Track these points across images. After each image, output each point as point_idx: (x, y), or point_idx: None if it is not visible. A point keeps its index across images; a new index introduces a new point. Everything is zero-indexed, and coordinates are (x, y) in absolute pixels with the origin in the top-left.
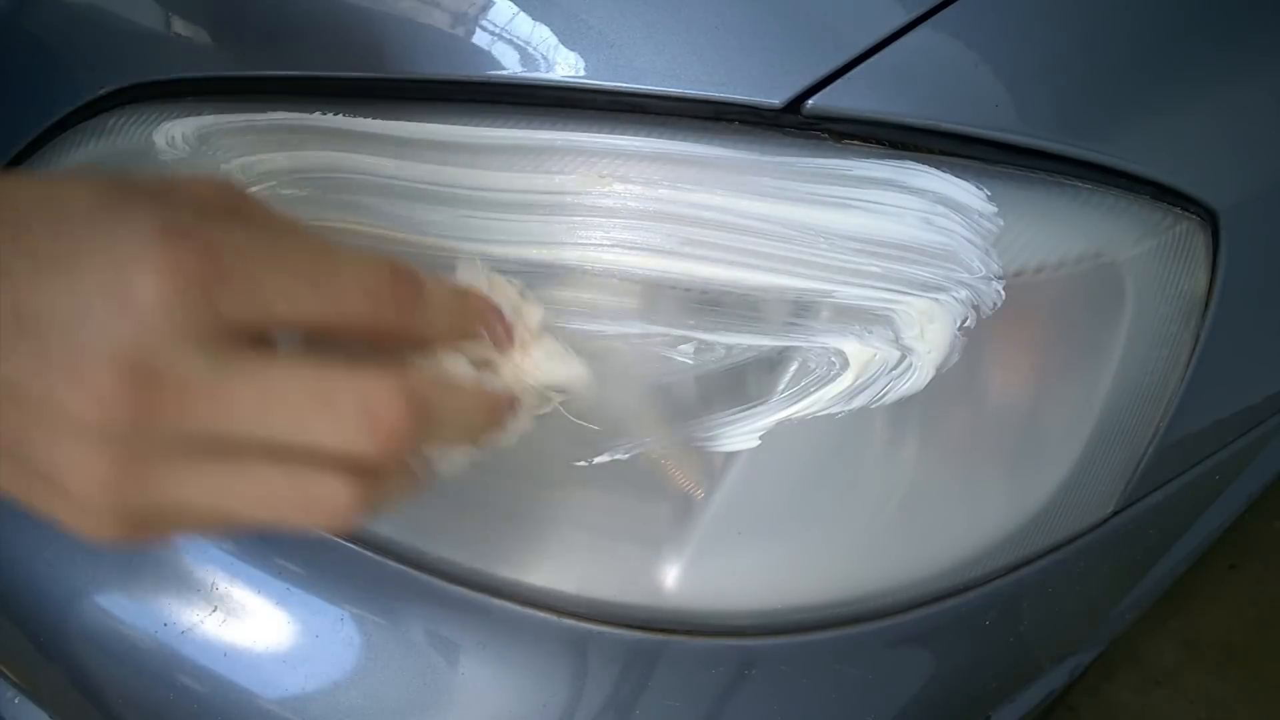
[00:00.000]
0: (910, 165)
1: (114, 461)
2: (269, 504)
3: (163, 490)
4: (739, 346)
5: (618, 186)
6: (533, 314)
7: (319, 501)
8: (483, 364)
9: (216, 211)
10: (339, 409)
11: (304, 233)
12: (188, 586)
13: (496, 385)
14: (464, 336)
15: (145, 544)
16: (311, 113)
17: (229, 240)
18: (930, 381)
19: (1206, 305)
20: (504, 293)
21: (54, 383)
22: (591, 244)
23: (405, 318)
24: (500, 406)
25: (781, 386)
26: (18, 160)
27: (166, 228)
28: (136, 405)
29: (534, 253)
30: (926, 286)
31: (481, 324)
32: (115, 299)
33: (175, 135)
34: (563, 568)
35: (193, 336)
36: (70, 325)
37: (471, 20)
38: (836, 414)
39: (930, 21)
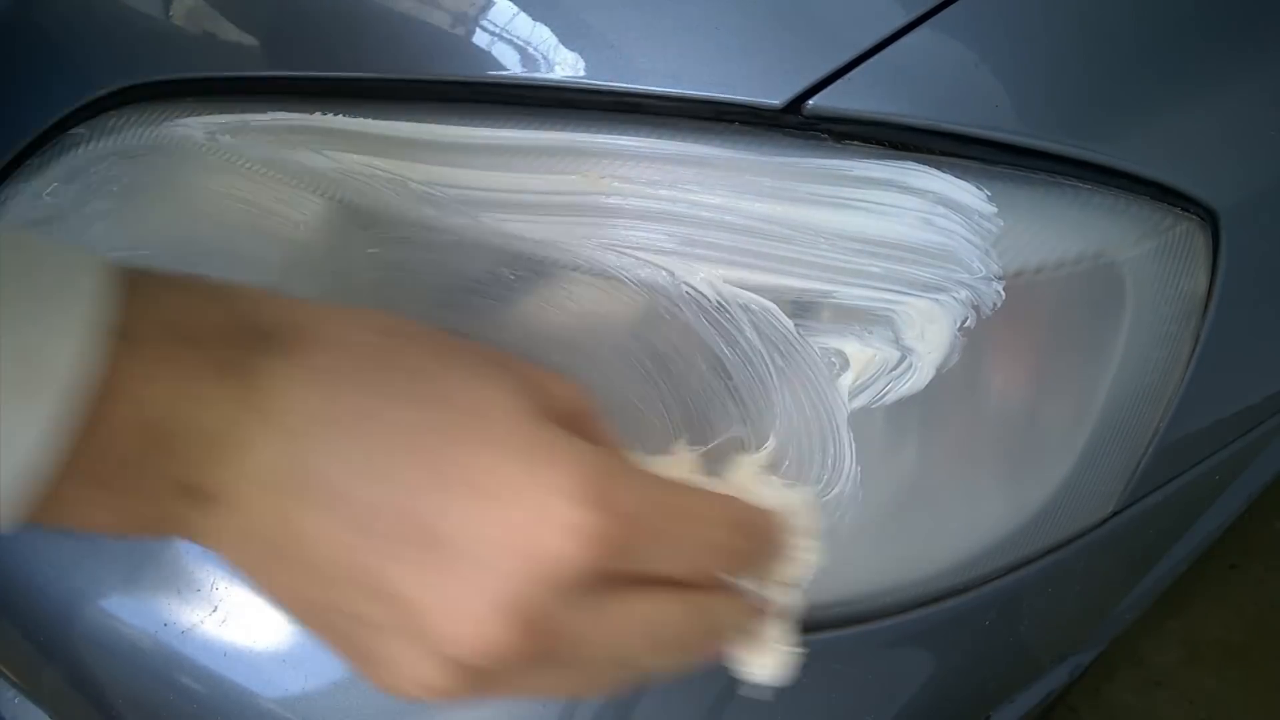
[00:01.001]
0: (910, 165)
1: (456, 682)
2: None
3: (495, 690)
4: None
5: (617, 186)
6: (806, 513)
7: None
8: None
9: (576, 429)
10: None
11: (661, 478)
12: (188, 586)
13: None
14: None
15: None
16: (311, 113)
17: (636, 502)
18: (930, 382)
19: (1206, 305)
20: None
21: (431, 602)
22: (591, 244)
23: (732, 570)
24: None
25: None
26: (18, 160)
27: (596, 492)
28: (508, 650)
29: (533, 253)
30: (927, 287)
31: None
32: (527, 549)
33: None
34: None
35: (586, 594)
36: (469, 555)
37: (471, 20)
38: None
39: (930, 21)
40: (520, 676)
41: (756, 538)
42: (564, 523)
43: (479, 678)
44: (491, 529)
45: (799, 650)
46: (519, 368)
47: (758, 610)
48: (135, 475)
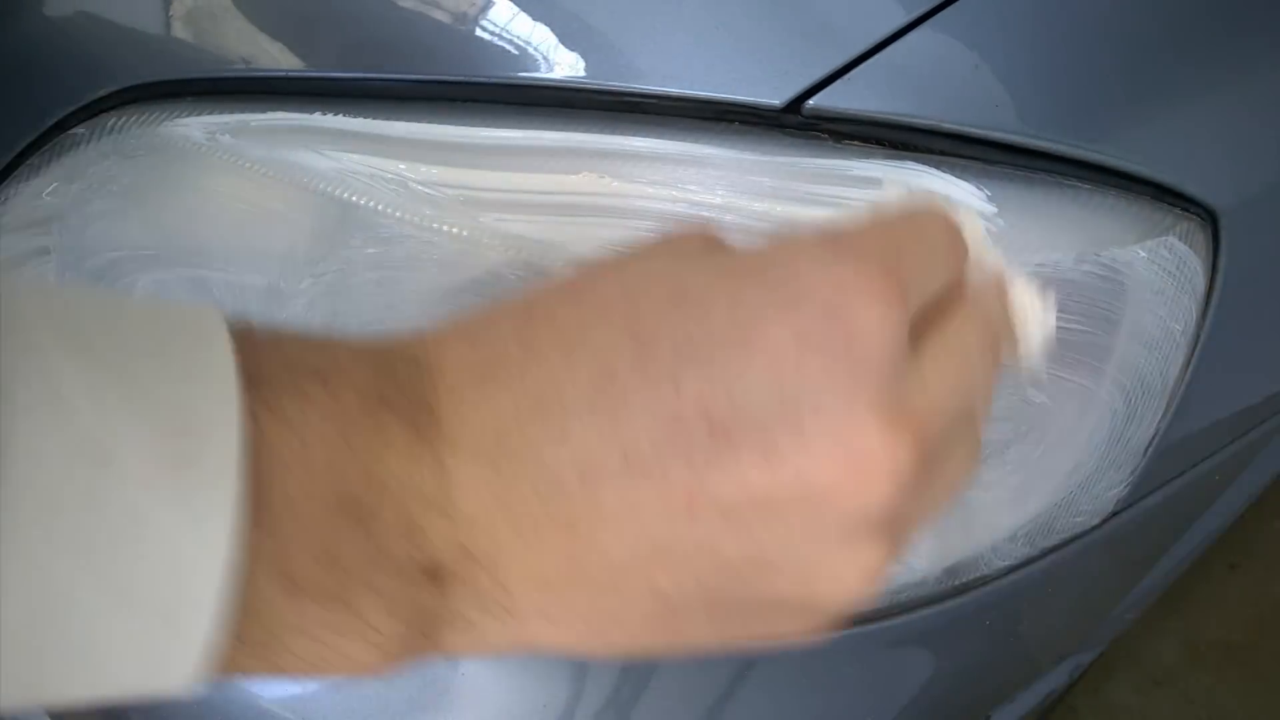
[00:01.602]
0: (910, 165)
1: (890, 522)
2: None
3: (917, 511)
4: None
5: (617, 186)
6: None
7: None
8: None
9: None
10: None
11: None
12: None
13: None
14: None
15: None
16: (311, 113)
17: (900, 250)
18: None
19: (1206, 305)
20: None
21: (818, 474)
22: (590, 245)
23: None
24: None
25: None
26: (18, 160)
27: (876, 268)
28: (906, 444)
29: (533, 253)
30: None
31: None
32: (838, 346)
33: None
34: None
35: (902, 361)
36: (796, 403)
37: (471, 20)
38: None
39: (930, 22)
40: (927, 483)
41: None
42: (858, 295)
43: (901, 512)
44: (787, 360)
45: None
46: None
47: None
48: (352, 572)
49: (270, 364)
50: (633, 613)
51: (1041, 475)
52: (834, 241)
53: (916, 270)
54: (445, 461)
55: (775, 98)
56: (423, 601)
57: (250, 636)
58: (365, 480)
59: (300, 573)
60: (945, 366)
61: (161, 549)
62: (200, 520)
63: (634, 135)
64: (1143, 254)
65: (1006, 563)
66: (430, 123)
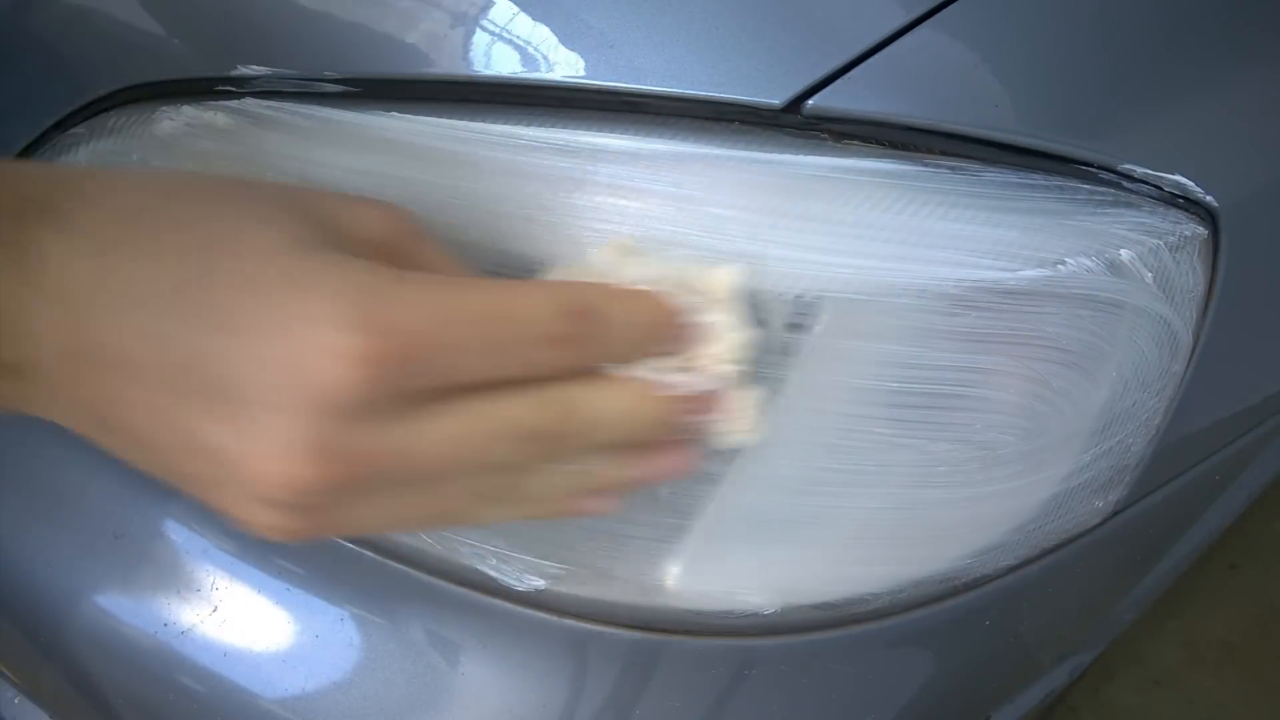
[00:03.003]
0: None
1: (291, 521)
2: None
3: (343, 521)
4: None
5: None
6: (719, 283)
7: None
8: (681, 368)
9: (387, 252)
10: (515, 439)
11: (471, 277)
12: (188, 586)
13: (696, 383)
14: (651, 355)
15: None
16: (312, 113)
17: (410, 316)
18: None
19: (1206, 305)
20: (680, 273)
21: (236, 449)
22: (590, 245)
23: (587, 357)
24: (678, 406)
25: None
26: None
27: (359, 314)
28: (316, 482)
29: (528, 252)
30: None
31: (664, 336)
32: (298, 382)
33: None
34: (562, 567)
35: (380, 413)
36: (255, 398)
37: (471, 20)
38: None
39: (930, 21)
40: (355, 505)
41: (605, 321)
42: (328, 349)
43: (309, 513)
44: (264, 368)
45: (762, 407)
46: (306, 200)
47: (664, 392)
48: None
49: None
50: (121, 444)
51: (1040, 475)
52: (373, 297)
53: (465, 344)
54: (23, 305)
55: (775, 98)
56: None
57: None
58: None
59: None
60: (444, 424)
61: None
62: None
63: (634, 135)
64: (1143, 254)
65: (1006, 563)
66: (431, 121)
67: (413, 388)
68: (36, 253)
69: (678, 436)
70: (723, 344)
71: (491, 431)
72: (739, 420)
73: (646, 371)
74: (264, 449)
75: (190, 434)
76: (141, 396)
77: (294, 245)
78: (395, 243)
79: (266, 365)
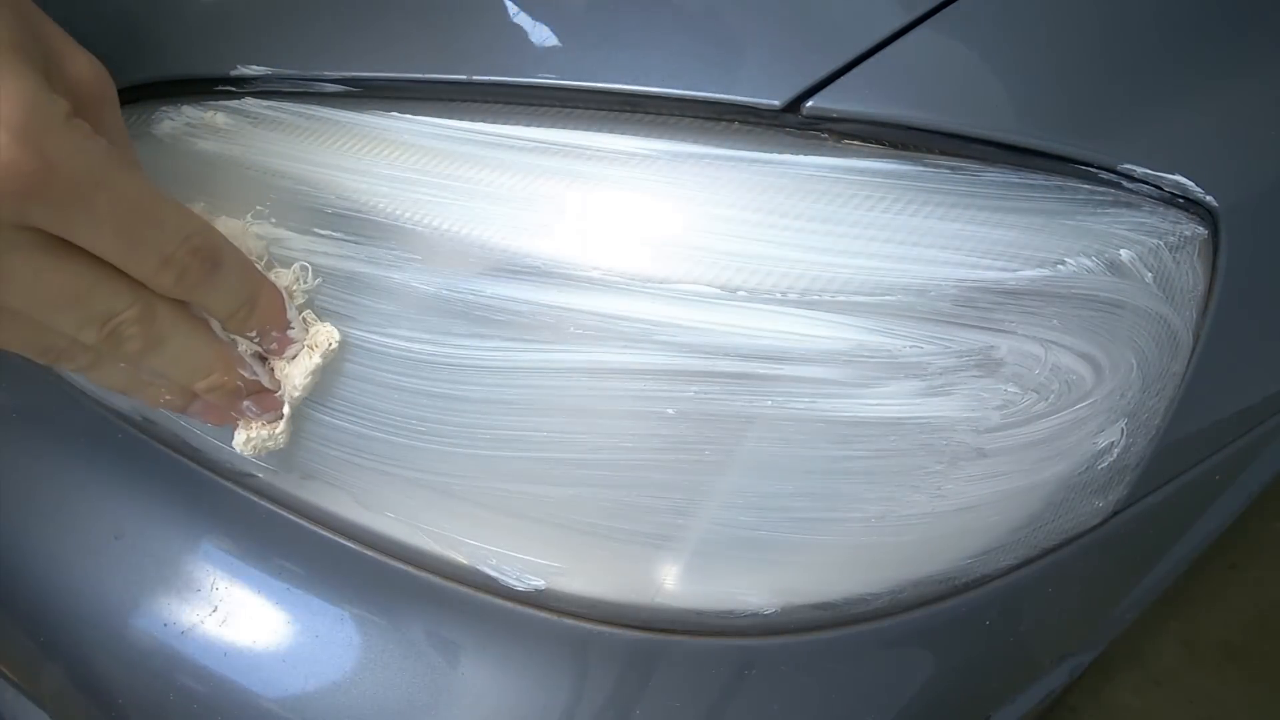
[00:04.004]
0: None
1: None
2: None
3: None
4: None
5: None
6: (321, 333)
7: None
8: (257, 354)
9: (78, 101)
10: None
11: (139, 170)
12: (188, 586)
13: (263, 377)
14: (240, 332)
15: None
16: (311, 113)
17: (72, 161)
18: (929, 382)
19: (1206, 305)
20: (281, 279)
21: None
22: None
23: (185, 292)
24: (244, 388)
25: None
26: None
27: (25, 126)
28: None
29: (531, 251)
30: None
31: (261, 327)
32: None
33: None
34: (563, 568)
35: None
36: None
37: (471, 21)
38: (840, 414)
39: (930, 22)
40: None
41: (222, 277)
42: None
43: None
44: None
45: (282, 437)
46: (33, 15)
47: (230, 365)
48: None
49: None
50: None
51: (1040, 475)
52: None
53: (93, 209)
54: None
55: (775, 98)
56: None
57: None
58: None
59: None
60: (37, 259)
61: None
62: None
63: (634, 135)
64: (1143, 254)
65: (1006, 563)
66: (431, 122)
67: (35, 224)
68: None
69: (216, 401)
70: (299, 365)
71: (75, 293)
72: (272, 428)
73: (222, 334)
74: None
75: None
76: None
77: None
78: (90, 98)
79: None
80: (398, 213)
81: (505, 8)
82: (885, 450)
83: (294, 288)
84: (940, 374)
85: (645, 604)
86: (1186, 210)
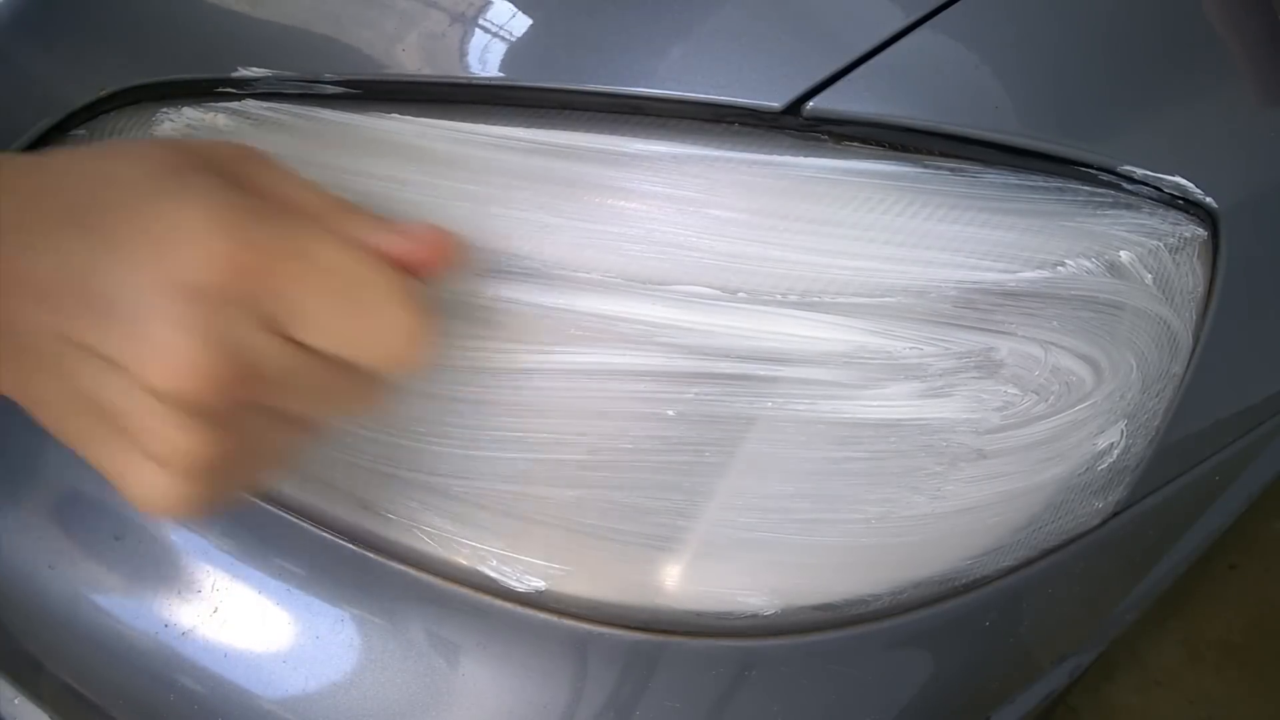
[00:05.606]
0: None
1: (182, 477)
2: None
3: (233, 468)
4: None
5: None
6: None
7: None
8: None
9: (237, 181)
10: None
11: (327, 217)
12: (188, 587)
13: None
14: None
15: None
16: (311, 113)
17: (277, 246)
18: (931, 380)
19: (1206, 305)
20: None
21: (135, 352)
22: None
23: (402, 369)
24: None
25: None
26: None
27: (221, 223)
28: (214, 365)
29: (533, 253)
30: None
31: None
32: (168, 279)
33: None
34: (563, 569)
35: (248, 315)
36: (138, 303)
37: (471, 21)
38: (840, 415)
39: (930, 23)
40: (245, 434)
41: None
42: (191, 249)
43: (204, 469)
44: (139, 273)
45: None
46: (178, 143)
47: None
48: None
49: None
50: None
51: (1040, 475)
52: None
53: (304, 280)
54: None
55: (775, 100)
56: None
57: None
58: None
59: None
60: (284, 344)
61: None
62: None
63: (634, 137)
64: (1142, 254)
65: (1006, 564)
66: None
67: (266, 307)
68: None
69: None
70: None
71: (310, 364)
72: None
73: None
74: (158, 343)
75: (84, 338)
76: (29, 312)
77: (163, 170)
78: (251, 174)
79: (137, 268)
80: (398, 213)
81: (506, 9)
82: (885, 452)
83: None
84: (940, 375)
85: (645, 605)
86: (1186, 212)
